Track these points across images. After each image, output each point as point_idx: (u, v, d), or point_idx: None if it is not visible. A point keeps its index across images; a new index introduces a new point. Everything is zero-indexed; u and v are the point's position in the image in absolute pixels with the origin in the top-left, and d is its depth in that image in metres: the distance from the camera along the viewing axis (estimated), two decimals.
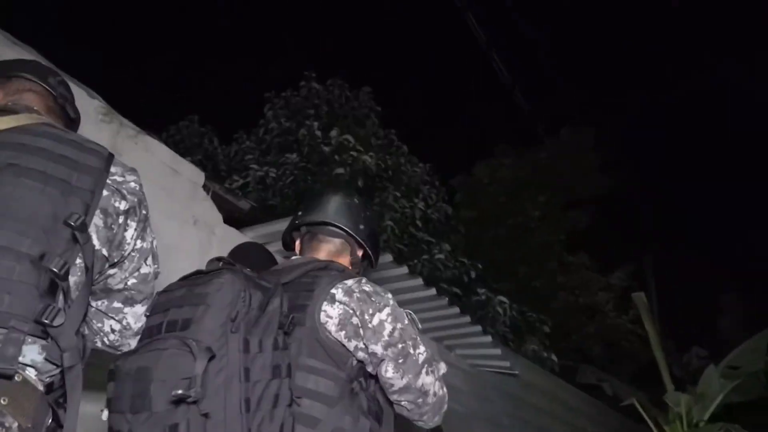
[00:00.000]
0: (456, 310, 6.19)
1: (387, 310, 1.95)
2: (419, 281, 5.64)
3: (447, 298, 6.09)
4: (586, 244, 16.17)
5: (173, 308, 1.70)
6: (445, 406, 2.02)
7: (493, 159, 16.48)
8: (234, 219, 4.80)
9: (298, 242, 2.31)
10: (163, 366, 1.57)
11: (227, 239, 4.44)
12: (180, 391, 1.51)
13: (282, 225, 4.70)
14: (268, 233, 4.80)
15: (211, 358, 1.57)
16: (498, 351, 7.20)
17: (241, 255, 2.76)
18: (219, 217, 4.51)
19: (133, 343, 1.82)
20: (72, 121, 2.02)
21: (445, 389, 2.02)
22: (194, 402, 1.53)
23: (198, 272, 1.80)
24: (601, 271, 16.85)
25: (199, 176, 4.39)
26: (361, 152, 10.50)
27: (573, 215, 16.29)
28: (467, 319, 6.43)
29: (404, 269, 5.46)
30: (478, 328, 6.67)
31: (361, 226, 2.25)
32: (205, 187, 4.39)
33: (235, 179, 10.60)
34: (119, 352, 1.82)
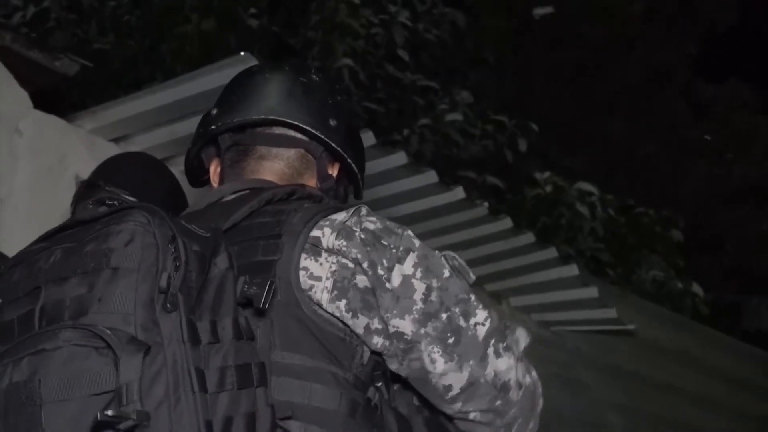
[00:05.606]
0: (504, 221, 4.23)
1: (412, 256, 1.31)
2: (427, 175, 3.74)
3: (485, 204, 4.13)
4: (737, 60, 9.95)
5: (48, 285, 1.14)
6: (540, 401, 1.42)
7: None
8: (50, 96, 3.33)
9: (216, 166, 1.53)
10: (59, 375, 1.05)
11: (49, 140, 3.00)
12: (110, 412, 1.00)
13: (153, 99, 3.19)
14: (123, 119, 3.20)
15: (145, 353, 1.07)
16: (594, 291, 5.04)
17: (123, 184, 1.89)
18: (25, 97, 3.04)
19: None
20: None
21: (534, 373, 1.42)
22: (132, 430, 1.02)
23: (71, 222, 1.22)
24: None
25: None
26: None
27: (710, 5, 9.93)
28: (528, 237, 4.44)
29: (400, 155, 3.60)
30: (551, 251, 4.64)
31: (332, 121, 1.48)
32: None
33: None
34: None
